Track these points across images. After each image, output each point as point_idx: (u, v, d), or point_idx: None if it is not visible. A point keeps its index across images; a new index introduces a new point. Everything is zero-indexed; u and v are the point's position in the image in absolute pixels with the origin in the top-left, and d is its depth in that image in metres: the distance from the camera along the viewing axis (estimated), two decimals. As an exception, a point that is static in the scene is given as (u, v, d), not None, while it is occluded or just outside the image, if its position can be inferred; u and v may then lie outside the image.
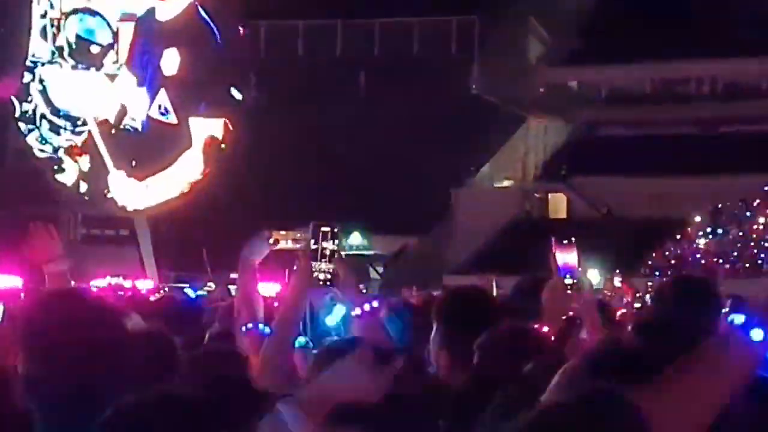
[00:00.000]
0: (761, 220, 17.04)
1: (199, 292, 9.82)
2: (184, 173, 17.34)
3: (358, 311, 2.54)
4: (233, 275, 5.06)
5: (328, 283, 2.83)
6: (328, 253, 2.86)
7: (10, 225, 12.46)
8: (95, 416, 1.11)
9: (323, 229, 2.98)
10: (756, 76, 19.39)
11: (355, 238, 17.44)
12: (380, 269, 18.31)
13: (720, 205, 17.51)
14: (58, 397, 1.31)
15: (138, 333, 1.88)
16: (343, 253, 3.50)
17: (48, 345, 1.34)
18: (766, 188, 17.86)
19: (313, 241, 2.87)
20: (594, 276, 10.39)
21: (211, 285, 11.13)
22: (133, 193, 17.14)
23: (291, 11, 19.55)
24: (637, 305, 8.89)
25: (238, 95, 17.32)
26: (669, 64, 18.15)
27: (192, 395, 1.19)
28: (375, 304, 2.99)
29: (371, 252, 18.31)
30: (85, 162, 17.05)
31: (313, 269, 2.79)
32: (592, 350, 1.44)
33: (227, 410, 1.32)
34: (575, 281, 3.05)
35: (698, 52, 18.88)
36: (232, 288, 5.73)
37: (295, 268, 2.85)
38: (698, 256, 17.24)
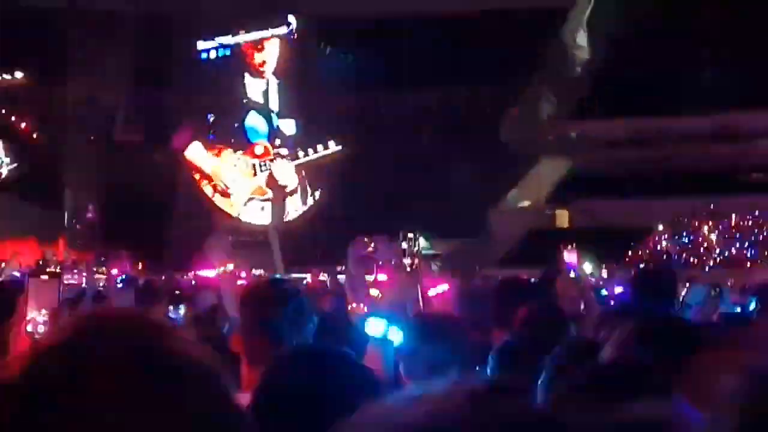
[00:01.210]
0: (705, 229, 23.92)
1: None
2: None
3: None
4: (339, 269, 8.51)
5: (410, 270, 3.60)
6: (414, 251, 4.02)
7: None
8: None
9: (408, 235, 4.24)
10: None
11: (423, 241, 24.64)
12: (438, 263, 25.51)
13: (677, 219, 24.44)
14: None
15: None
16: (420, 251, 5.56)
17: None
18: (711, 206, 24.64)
19: (403, 243, 4.03)
20: (588, 268, 16.47)
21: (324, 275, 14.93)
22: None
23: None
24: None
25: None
26: (632, 120, 25.40)
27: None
28: (446, 286, 4.15)
29: (432, 251, 25.45)
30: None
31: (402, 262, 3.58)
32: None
33: None
34: (577, 274, 4.26)
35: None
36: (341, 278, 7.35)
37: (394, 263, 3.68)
38: (663, 255, 24.08)
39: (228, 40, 24.67)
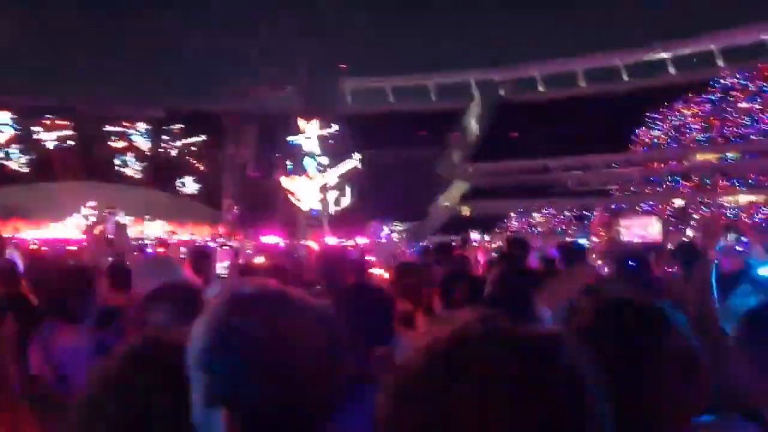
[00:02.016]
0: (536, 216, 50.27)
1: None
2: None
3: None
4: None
5: None
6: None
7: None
8: None
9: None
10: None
11: (396, 223, 50.74)
12: (403, 235, 51.52)
13: (521, 211, 50.90)
14: None
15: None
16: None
17: None
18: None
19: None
20: (477, 237, 43.37)
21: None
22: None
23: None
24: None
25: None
26: (497, 163, 51.86)
27: None
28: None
29: (401, 228, 51.37)
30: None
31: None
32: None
33: None
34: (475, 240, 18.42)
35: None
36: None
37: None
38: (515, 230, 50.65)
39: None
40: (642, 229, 28.00)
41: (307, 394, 1.01)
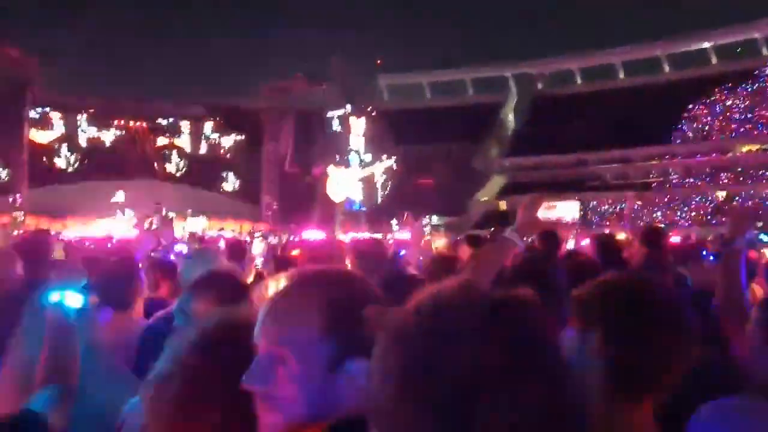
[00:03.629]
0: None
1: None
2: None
3: None
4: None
5: None
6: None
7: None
8: None
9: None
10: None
11: (435, 218, 50.65)
12: (443, 229, 51.42)
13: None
14: None
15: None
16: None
17: None
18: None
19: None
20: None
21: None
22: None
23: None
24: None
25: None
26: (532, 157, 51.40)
27: None
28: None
29: (439, 223, 51.33)
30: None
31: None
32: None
33: None
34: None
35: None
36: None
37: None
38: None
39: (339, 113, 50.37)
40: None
41: None
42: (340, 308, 1.17)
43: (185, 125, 49.18)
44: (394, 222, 35.76)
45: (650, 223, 25.21)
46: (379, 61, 57.06)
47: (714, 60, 52.29)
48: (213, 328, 1.36)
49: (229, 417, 1.26)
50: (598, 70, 56.71)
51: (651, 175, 49.29)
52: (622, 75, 55.82)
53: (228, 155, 50.78)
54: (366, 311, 1.13)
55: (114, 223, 35.17)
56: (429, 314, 0.87)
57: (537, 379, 0.82)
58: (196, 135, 49.82)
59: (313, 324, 1.16)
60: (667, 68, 54.03)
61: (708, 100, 47.99)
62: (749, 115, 46.19)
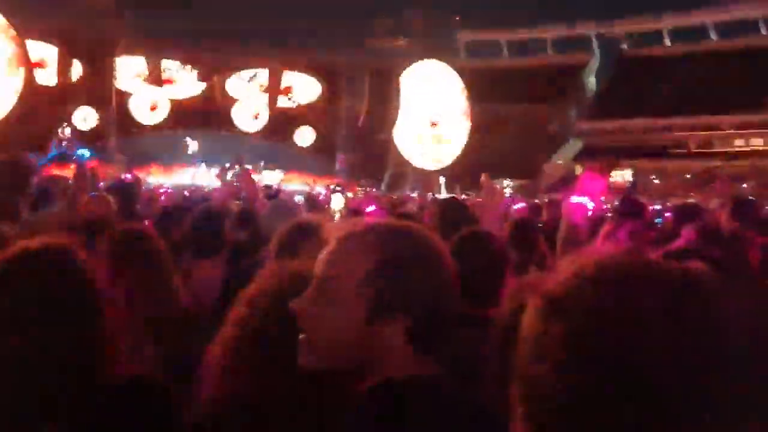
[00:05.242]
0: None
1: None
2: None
3: None
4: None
5: None
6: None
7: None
8: None
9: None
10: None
11: (508, 180, 50.06)
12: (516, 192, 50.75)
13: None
14: None
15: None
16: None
17: None
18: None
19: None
20: None
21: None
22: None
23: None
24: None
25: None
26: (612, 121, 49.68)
27: None
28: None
29: (512, 184, 50.58)
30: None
31: None
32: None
33: None
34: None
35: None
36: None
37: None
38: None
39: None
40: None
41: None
42: (385, 262, 1.24)
43: (263, 79, 49.83)
44: (467, 183, 36.04)
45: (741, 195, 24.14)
46: (457, 17, 56.01)
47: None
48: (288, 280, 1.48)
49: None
50: (689, 30, 53.98)
51: (736, 144, 47.06)
52: (714, 37, 53.02)
53: (304, 110, 51.33)
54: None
55: (196, 173, 36.55)
56: (609, 289, 0.78)
57: (727, 372, 0.75)
58: (273, 89, 50.44)
59: (355, 274, 1.24)
60: (764, 31, 50.98)
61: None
62: None
